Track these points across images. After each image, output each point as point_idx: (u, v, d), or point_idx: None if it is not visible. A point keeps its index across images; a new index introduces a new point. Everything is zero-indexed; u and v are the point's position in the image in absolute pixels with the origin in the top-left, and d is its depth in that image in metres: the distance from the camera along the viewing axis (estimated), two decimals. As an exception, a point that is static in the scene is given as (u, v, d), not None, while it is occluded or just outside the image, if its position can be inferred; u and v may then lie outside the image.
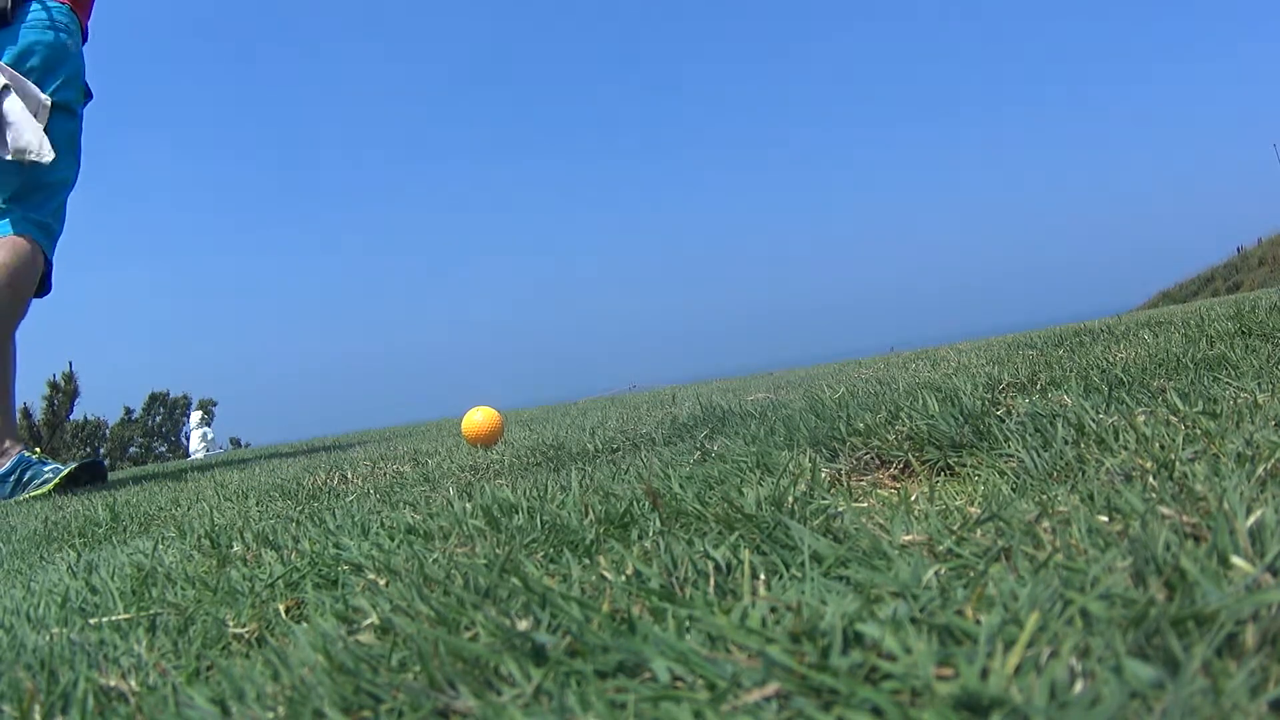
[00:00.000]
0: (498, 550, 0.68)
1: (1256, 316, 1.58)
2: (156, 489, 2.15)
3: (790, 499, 0.71)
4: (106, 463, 2.99)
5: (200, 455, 11.58)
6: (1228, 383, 0.97)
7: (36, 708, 0.50)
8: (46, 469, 2.48)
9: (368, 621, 0.54)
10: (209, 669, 0.57)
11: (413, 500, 1.13)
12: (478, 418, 2.11)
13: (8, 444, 2.52)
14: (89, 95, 2.69)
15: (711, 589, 0.51)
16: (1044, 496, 0.63)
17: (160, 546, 1.00)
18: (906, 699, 0.35)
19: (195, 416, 15.89)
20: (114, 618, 0.69)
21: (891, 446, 0.99)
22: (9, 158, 2.40)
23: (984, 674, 0.35)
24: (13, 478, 2.45)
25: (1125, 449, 0.72)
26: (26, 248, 2.48)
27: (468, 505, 0.89)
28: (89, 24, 2.70)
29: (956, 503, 0.71)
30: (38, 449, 2.59)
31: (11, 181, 2.49)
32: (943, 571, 0.47)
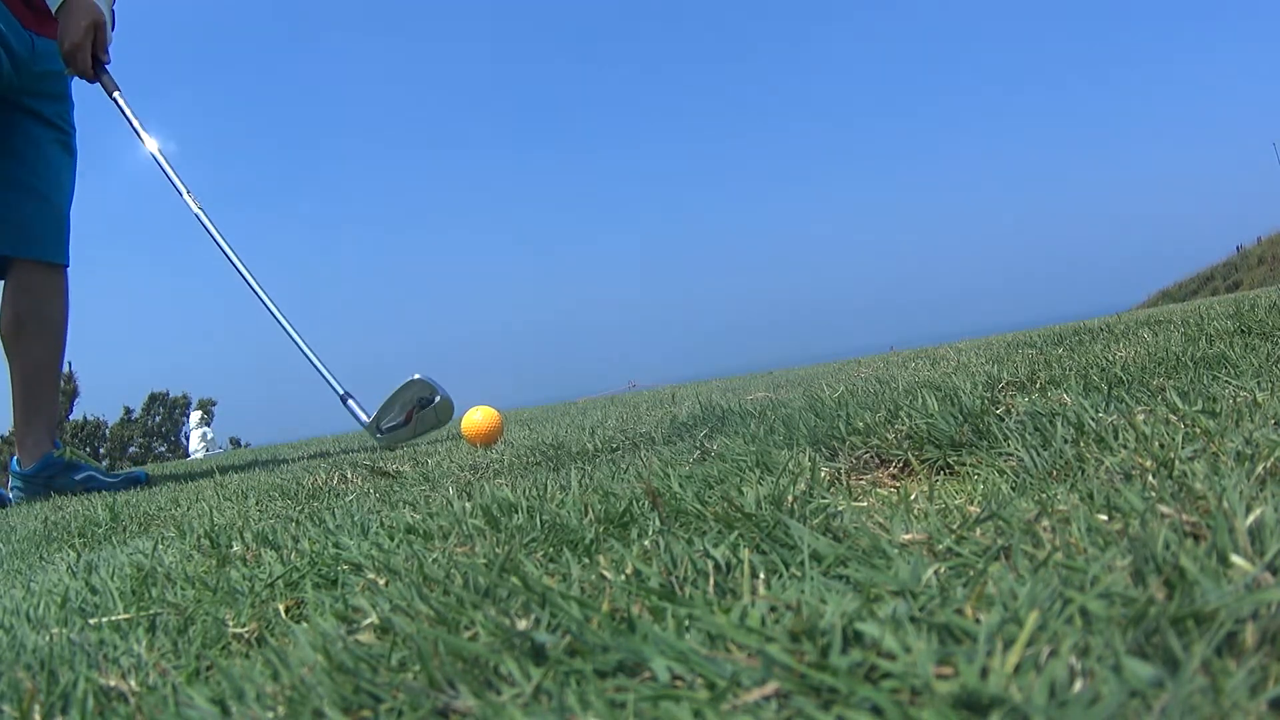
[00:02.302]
0: (497, 550, 0.68)
1: (1256, 315, 1.58)
2: (156, 489, 2.15)
3: (790, 498, 0.71)
4: (145, 471, 2.80)
5: (200, 455, 11.57)
6: (1227, 381, 0.97)
7: (36, 708, 0.50)
8: (78, 477, 2.38)
9: (367, 621, 0.54)
10: (209, 669, 0.57)
11: (412, 500, 1.13)
12: (477, 417, 2.11)
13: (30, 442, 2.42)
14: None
15: (711, 588, 0.51)
16: (1043, 495, 0.63)
17: (160, 546, 1.00)
18: (906, 698, 0.35)
19: (195, 416, 15.90)
20: (114, 618, 0.69)
21: (891, 445, 0.99)
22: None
23: (983, 673, 0.35)
24: (41, 478, 2.36)
25: (1125, 448, 0.72)
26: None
27: (467, 505, 0.89)
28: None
29: (956, 501, 0.71)
30: (68, 448, 2.48)
31: None
32: (942, 570, 0.47)
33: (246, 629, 0.63)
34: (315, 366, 2.22)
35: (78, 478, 2.39)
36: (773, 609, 0.45)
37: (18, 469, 2.40)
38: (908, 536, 0.55)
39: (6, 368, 2.47)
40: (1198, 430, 0.72)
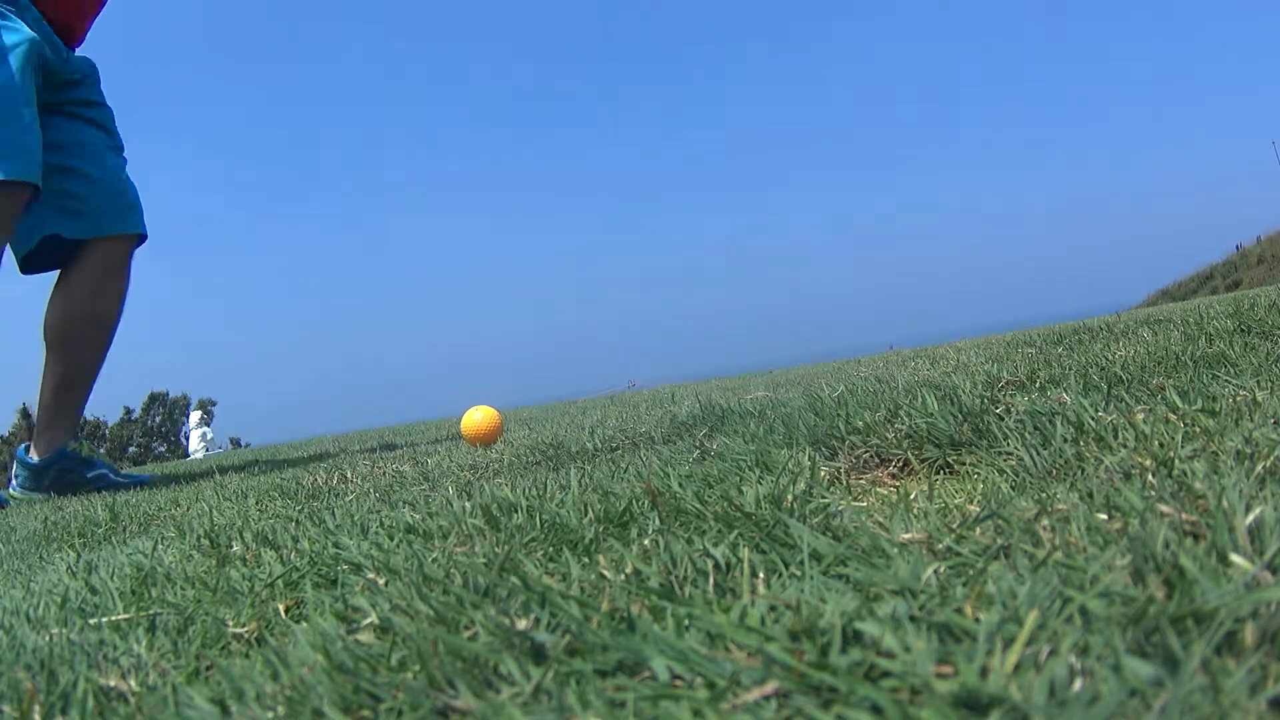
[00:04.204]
0: (497, 549, 0.68)
1: (1255, 314, 1.58)
2: (156, 489, 2.15)
3: (789, 497, 0.71)
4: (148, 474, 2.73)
5: (200, 455, 11.57)
6: (1227, 380, 0.97)
7: (36, 708, 0.51)
8: (90, 474, 2.34)
9: (367, 621, 0.54)
10: (209, 669, 0.57)
11: (412, 499, 1.13)
12: (477, 417, 2.11)
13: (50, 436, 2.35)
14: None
15: (711, 587, 0.51)
16: (1043, 494, 0.63)
17: (160, 546, 1.00)
18: (906, 697, 0.35)
19: (195, 416, 15.89)
20: (114, 618, 0.69)
21: (891, 445, 0.99)
22: None
23: (983, 672, 0.35)
24: (52, 470, 2.32)
25: (1124, 447, 0.73)
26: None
27: (467, 504, 0.89)
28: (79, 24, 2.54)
29: (956, 501, 0.71)
30: (84, 442, 2.43)
31: None
32: (942, 570, 0.47)
33: (246, 629, 0.63)
34: None
35: (90, 474, 2.36)
36: (772, 608, 0.45)
37: (30, 459, 2.36)
38: (907, 536, 0.55)
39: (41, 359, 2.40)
40: (1197, 429, 0.72)
